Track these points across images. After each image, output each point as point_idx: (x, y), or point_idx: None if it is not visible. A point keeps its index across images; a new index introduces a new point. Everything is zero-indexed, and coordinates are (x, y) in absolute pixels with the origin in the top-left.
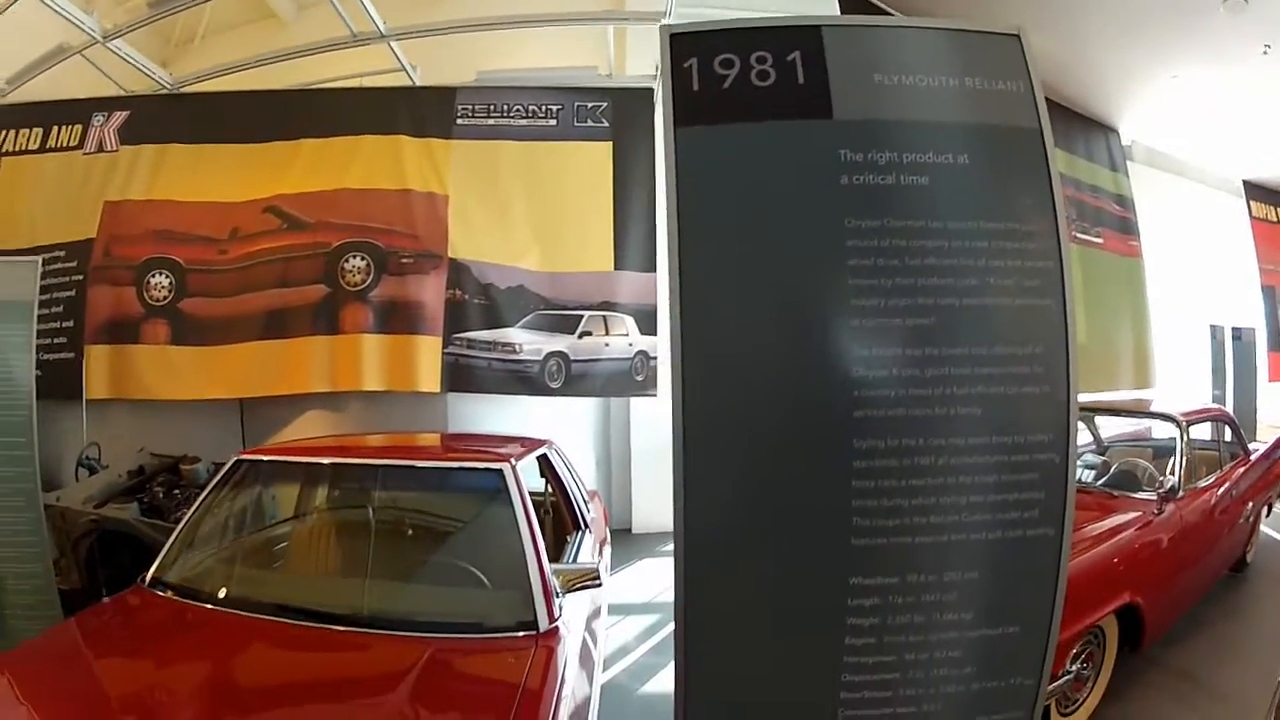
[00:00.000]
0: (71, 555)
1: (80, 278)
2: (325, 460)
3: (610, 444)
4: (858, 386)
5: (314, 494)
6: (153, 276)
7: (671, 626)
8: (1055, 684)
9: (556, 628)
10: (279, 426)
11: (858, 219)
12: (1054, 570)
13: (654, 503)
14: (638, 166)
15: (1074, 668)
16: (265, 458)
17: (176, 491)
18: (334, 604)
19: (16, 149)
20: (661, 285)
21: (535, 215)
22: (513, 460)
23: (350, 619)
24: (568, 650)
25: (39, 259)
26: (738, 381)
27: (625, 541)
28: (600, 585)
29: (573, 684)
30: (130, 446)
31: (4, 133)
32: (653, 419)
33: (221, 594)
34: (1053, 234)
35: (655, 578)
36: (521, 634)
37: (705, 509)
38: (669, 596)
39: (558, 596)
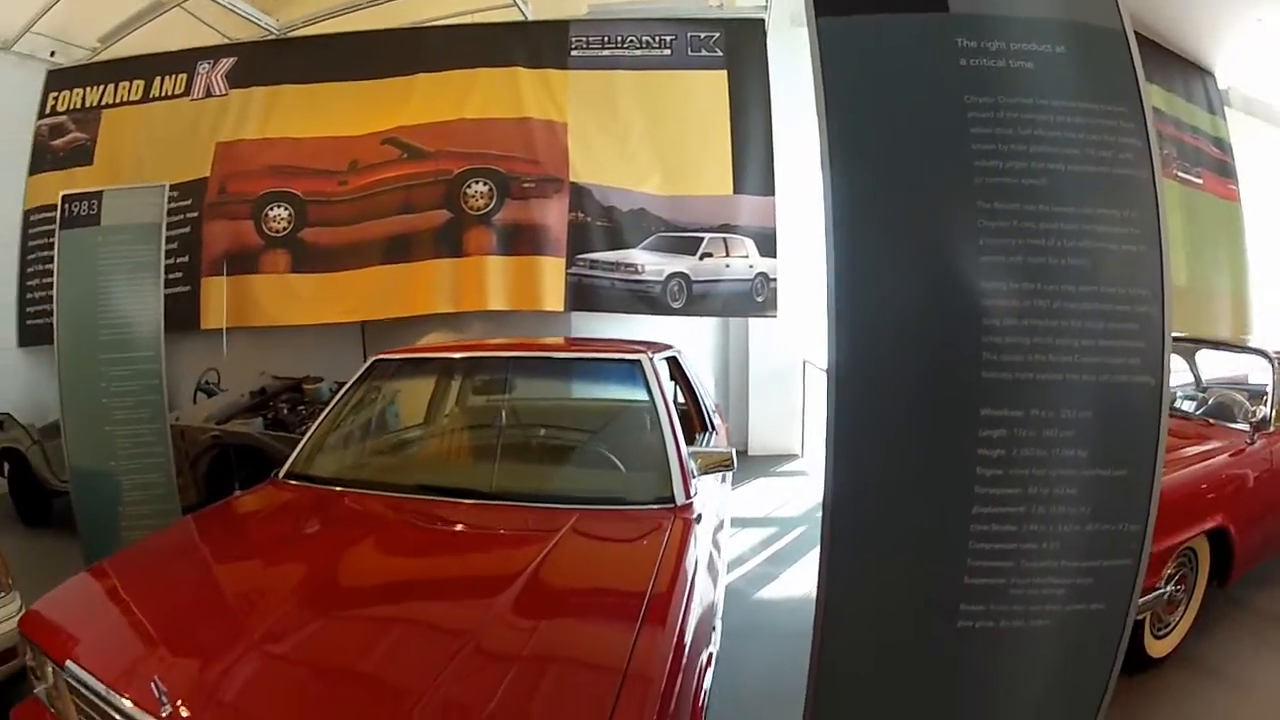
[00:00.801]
0: (190, 473)
1: (195, 215)
2: (463, 354)
3: (729, 366)
4: (984, 252)
5: (452, 387)
6: (271, 209)
7: (786, 541)
8: (1150, 597)
9: (692, 503)
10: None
11: (975, 95)
12: (1155, 418)
13: (770, 424)
14: (753, 93)
15: (1168, 588)
16: (402, 355)
17: (301, 408)
18: (477, 483)
19: (118, 101)
20: (780, 208)
21: (654, 141)
22: (650, 353)
23: (493, 495)
24: (703, 524)
25: (165, 184)
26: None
27: (741, 462)
28: (734, 468)
29: (707, 554)
30: (249, 372)
31: (103, 87)
32: (771, 341)
33: (363, 478)
34: (1139, 115)
35: (771, 496)
36: (659, 507)
37: (854, 344)
38: (784, 513)
39: (694, 477)
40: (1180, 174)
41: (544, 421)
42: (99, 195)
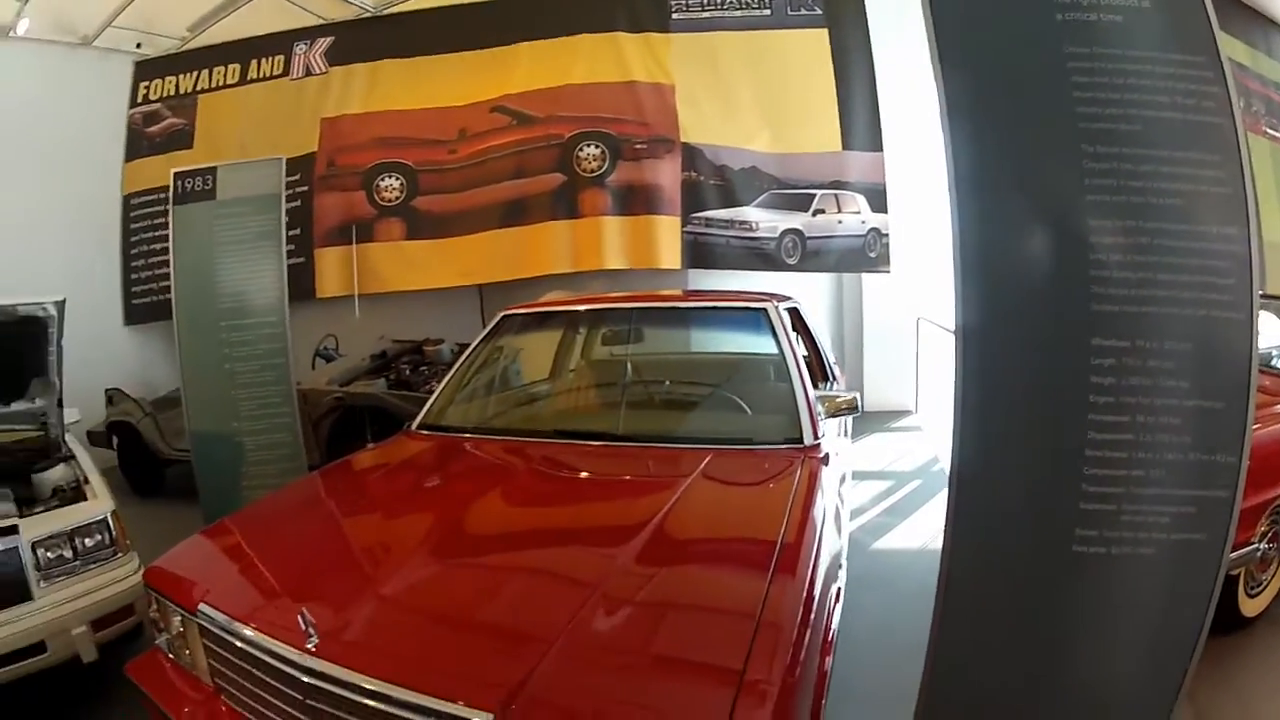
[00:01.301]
0: (313, 434)
1: (304, 189)
2: (589, 306)
3: (844, 323)
4: (1090, 191)
5: (578, 337)
6: (382, 180)
7: (902, 494)
8: (1243, 552)
9: (820, 444)
10: None
11: (1075, 47)
12: (1246, 354)
13: (884, 381)
14: (854, 50)
15: (1261, 545)
16: (528, 310)
17: (423, 369)
18: (607, 426)
19: (214, 85)
20: (889, 164)
21: (760, 100)
22: (775, 302)
23: (623, 437)
24: (830, 467)
25: (282, 158)
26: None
27: (856, 417)
28: (858, 412)
29: (834, 498)
30: (366, 337)
31: (196, 74)
32: (885, 298)
33: (495, 425)
34: (1217, 66)
35: (887, 451)
36: (788, 447)
37: (981, 296)
38: (900, 467)
39: (820, 420)
40: (1269, 130)
41: (672, 367)
42: (213, 171)
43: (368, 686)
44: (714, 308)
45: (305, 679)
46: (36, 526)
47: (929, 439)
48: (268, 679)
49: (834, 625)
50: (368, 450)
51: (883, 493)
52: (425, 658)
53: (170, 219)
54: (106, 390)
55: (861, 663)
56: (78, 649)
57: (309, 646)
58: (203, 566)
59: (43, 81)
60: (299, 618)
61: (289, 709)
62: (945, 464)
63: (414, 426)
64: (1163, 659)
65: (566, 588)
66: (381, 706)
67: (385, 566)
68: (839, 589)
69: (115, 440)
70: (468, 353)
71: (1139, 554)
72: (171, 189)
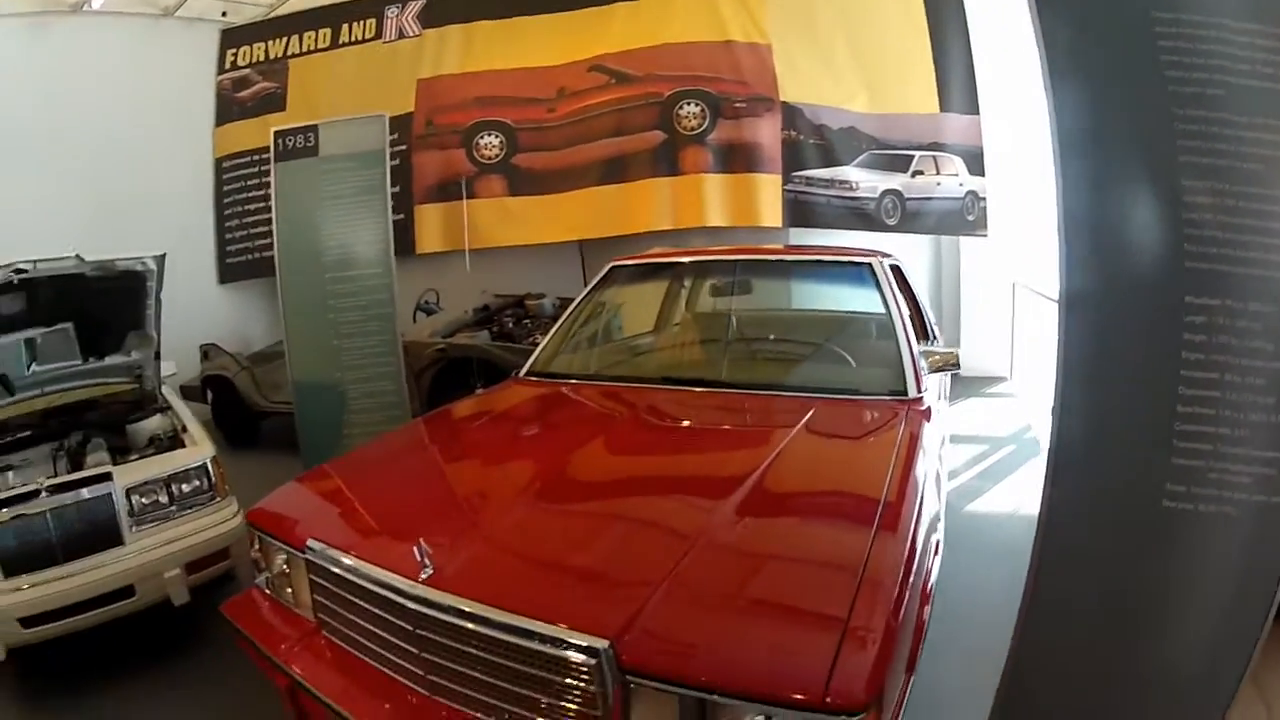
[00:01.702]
0: (414, 386)
1: (403, 148)
2: (696, 258)
3: (941, 287)
4: (1181, 153)
5: (684, 289)
6: (482, 138)
7: (995, 458)
8: None
9: (923, 397)
10: None
11: (1160, 11)
12: None
13: (980, 346)
14: (949, 9)
15: None
16: (636, 261)
17: (526, 322)
18: (715, 373)
19: (304, 50)
20: (986, 127)
21: (857, 60)
22: (879, 257)
23: (730, 384)
24: (932, 423)
25: (385, 115)
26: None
27: (952, 381)
28: (959, 369)
29: (936, 454)
30: (466, 292)
31: (286, 39)
32: (981, 262)
33: (601, 372)
34: None
35: (981, 416)
36: (893, 398)
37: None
38: (993, 432)
39: (924, 374)
40: None
41: (778, 318)
42: (314, 129)
43: (485, 615)
44: (820, 261)
45: (418, 608)
46: (130, 474)
47: (1023, 406)
48: (377, 611)
49: (933, 577)
50: (475, 395)
51: (976, 457)
52: (540, 589)
53: (272, 176)
54: (201, 346)
55: (952, 617)
56: (168, 592)
57: (423, 577)
58: (308, 506)
59: (128, 53)
60: (415, 549)
61: (397, 640)
62: (1038, 431)
63: (522, 373)
64: (1237, 626)
65: (673, 532)
66: (498, 635)
67: (495, 505)
68: (938, 541)
69: (209, 394)
70: (577, 301)
71: (1223, 513)
72: (273, 147)
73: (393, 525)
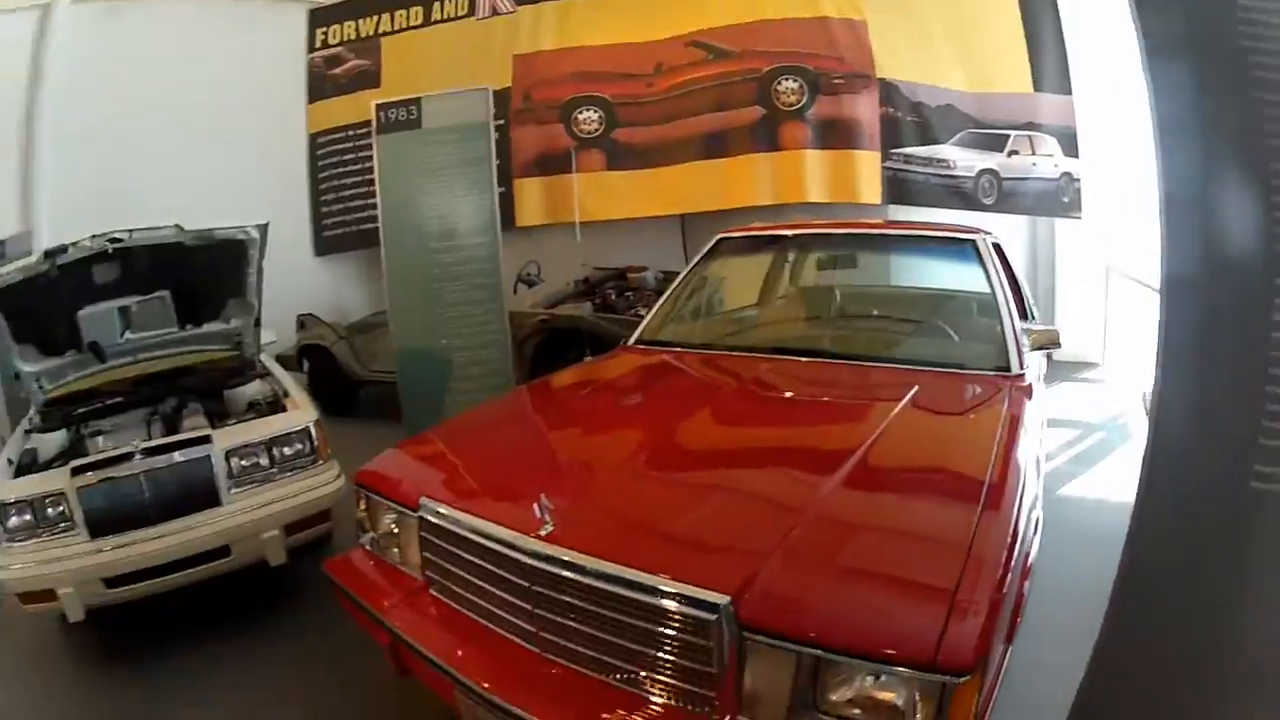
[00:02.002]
0: (516, 355)
1: (500, 122)
2: (803, 231)
3: (1036, 269)
4: (1266, 136)
5: (791, 261)
6: (580, 113)
7: (1087, 443)
8: None
9: (1025, 374)
10: None
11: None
12: None
13: (1073, 331)
14: None
15: None
16: (744, 233)
17: (628, 294)
18: (821, 344)
19: (397, 28)
20: (1079, 107)
21: (952, 37)
22: (982, 234)
23: (835, 355)
24: (1034, 401)
25: (488, 88)
26: None
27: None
28: (1060, 347)
29: (1036, 426)
30: (565, 265)
31: (377, 17)
32: (1075, 245)
33: (708, 341)
34: None
35: (1073, 400)
36: (996, 374)
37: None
38: (1085, 417)
39: (1026, 351)
40: None
41: (882, 292)
42: (416, 102)
43: (608, 570)
44: (924, 237)
45: (537, 564)
46: (230, 436)
47: (1115, 392)
48: (492, 568)
49: (1032, 554)
50: (585, 363)
51: (1068, 442)
52: (658, 548)
53: (375, 148)
54: (298, 316)
55: (1045, 596)
56: (265, 553)
57: (544, 533)
58: (419, 467)
59: (218, 35)
60: (536, 506)
61: (511, 597)
62: (1129, 417)
63: (632, 341)
64: None
65: (786, 499)
66: (619, 590)
67: (609, 467)
68: (1038, 519)
69: (305, 363)
70: (686, 271)
71: None
72: (374, 120)
73: (507, 485)
